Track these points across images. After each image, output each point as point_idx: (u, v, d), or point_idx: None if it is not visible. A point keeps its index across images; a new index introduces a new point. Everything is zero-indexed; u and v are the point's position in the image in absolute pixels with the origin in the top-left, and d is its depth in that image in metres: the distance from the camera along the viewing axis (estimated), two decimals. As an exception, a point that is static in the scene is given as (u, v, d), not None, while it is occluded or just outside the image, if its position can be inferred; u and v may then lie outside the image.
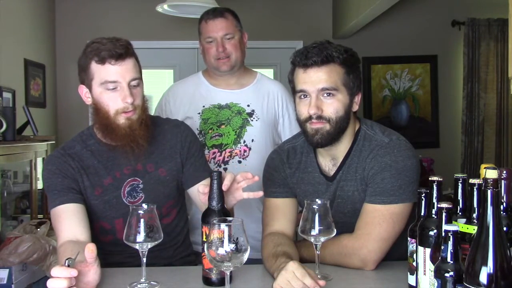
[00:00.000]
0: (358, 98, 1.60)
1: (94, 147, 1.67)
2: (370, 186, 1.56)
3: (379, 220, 1.52)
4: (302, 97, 1.56)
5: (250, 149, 2.23)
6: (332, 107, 1.53)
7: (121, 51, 1.55)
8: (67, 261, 1.22)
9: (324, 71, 1.52)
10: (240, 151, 2.22)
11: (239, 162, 2.21)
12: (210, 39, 2.21)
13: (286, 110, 2.32)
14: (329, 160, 1.65)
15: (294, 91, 1.60)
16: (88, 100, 1.63)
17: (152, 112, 1.91)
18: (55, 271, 1.19)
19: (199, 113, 2.27)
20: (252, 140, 2.24)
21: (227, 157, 2.21)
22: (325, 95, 1.53)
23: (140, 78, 1.62)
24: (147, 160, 1.68)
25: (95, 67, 1.56)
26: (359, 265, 1.53)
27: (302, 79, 1.54)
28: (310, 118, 1.54)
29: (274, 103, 2.30)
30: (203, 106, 2.28)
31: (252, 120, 2.25)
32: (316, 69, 1.52)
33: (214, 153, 2.22)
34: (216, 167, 2.19)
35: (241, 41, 2.26)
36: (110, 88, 1.56)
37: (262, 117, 2.27)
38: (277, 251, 1.49)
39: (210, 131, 2.23)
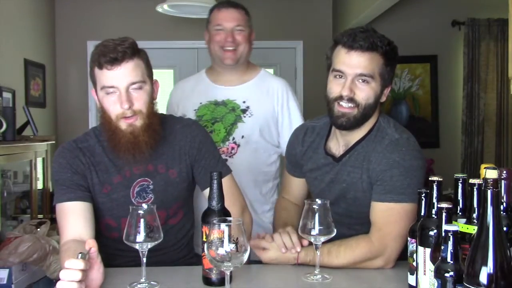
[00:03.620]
0: (387, 90, 1.64)
1: (106, 143, 1.64)
2: (379, 184, 1.56)
3: (396, 218, 1.53)
4: (338, 76, 1.59)
5: (238, 146, 2.19)
6: (365, 93, 1.57)
7: (116, 55, 1.51)
8: (79, 255, 1.23)
9: (366, 57, 1.55)
10: (227, 148, 2.19)
11: (225, 160, 2.18)
12: (220, 27, 2.17)
13: (286, 108, 2.25)
14: (342, 145, 1.68)
15: (329, 68, 1.64)
16: (98, 103, 1.62)
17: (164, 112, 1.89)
18: (70, 262, 1.20)
19: (195, 110, 2.23)
20: (242, 137, 2.20)
21: None
22: (361, 80, 1.57)
23: (143, 81, 1.57)
24: (158, 160, 1.66)
25: (96, 71, 1.56)
26: (382, 266, 1.55)
27: (343, 59, 1.57)
28: (340, 98, 1.57)
29: (273, 101, 2.24)
30: (200, 103, 2.24)
31: (245, 117, 2.21)
32: (359, 53, 1.55)
33: None
34: None
35: (249, 36, 2.23)
36: (109, 92, 1.55)
37: (256, 114, 2.21)
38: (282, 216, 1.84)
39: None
